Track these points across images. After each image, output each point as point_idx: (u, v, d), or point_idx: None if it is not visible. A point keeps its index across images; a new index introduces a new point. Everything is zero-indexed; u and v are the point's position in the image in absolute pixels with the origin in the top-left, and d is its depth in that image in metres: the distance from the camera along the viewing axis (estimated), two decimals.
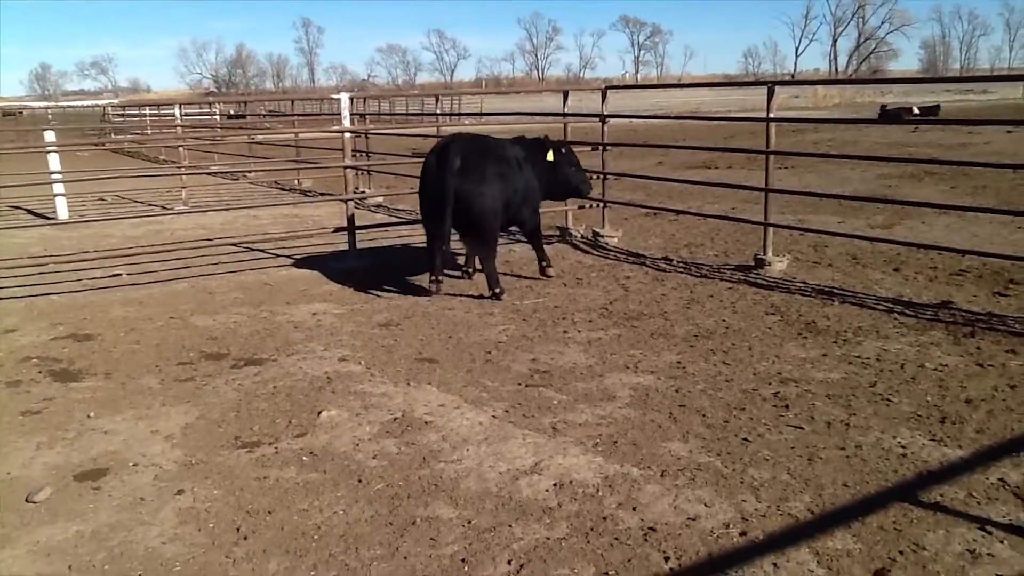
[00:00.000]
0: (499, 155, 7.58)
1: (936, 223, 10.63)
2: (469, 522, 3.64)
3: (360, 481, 4.07)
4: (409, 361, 5.83)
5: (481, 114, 24.00)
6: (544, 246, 8.47)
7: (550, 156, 8.03)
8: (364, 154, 15.14)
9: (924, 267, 8.32)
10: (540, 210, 8.47)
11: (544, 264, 8.31)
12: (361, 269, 8.80)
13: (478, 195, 7.21)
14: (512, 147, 7.86)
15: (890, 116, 30.98)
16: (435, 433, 4.58)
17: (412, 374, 5.55)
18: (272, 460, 4.35)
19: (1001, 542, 3.34)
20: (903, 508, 3.63)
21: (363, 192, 14.31)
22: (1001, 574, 3.13)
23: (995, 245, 9.15)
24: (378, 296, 7.70)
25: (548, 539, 3.48)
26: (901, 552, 3.29)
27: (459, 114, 28.00)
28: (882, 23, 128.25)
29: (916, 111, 33.90)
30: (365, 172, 15.25)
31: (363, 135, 14.78)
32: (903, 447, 4.25)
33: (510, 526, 3.59)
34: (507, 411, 4.86)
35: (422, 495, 3.90)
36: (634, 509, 3.69)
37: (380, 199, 13.98)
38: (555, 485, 3.94)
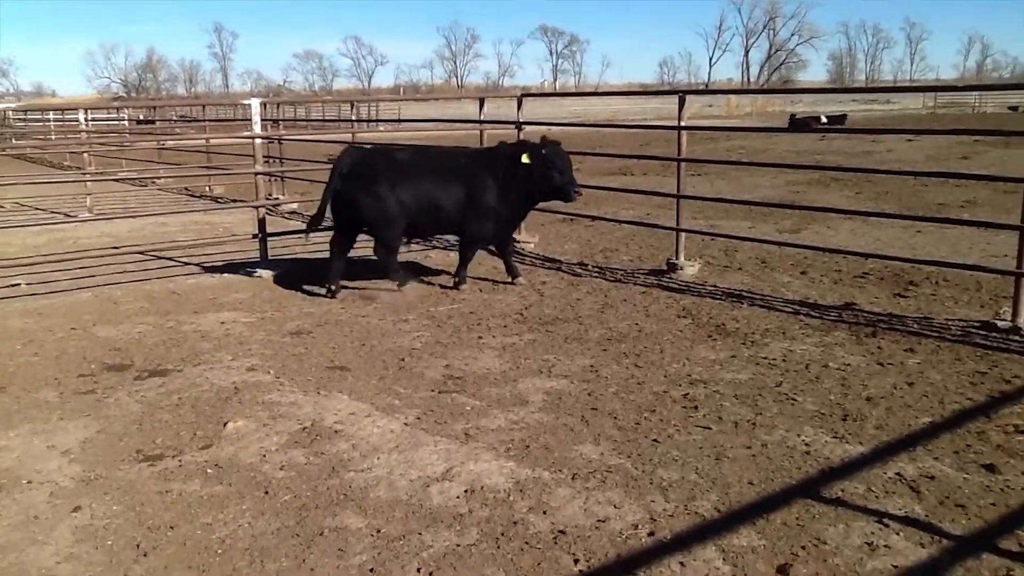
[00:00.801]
0: (404, 162, 7.78)
1: (841, 228, 10.97)
2: (378, 531, 3.58)
3: (266, 493, 3.97)
4: (320, 369, 5.73)
5: (399, 120, 23.88)
6: (511, 260, 8.33)
7: (525, 159, 7.77)
8: (278, 160, 14.87)
9: (829, 270, 8.56)
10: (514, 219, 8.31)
11: (512, 277, 8.21)
12: (273, 277, 8.62)
13: (364, 198, 7.55)
14: (450, 157, 7.97)
15: (799, 125, 31.83)
16: (345, 442, 4.50)
17: (323, 382, 5.45)
18: (175, 473, 4.21)
19: (897, 534, 3.45)
20: (806, 504, 3.72)
21: (277, 199, 14.05)
22: (897, 564, 3.23)
23: (896, 248, 9.49)
24: (290, 304, 7.55)
25: (458, 546, 3.45)
26: (803, 547, 3.36)
27: (376, 120, 27.78)
28: (792, 35, 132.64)
29: (824, 120, 34.97)
30: (279, 178, 14.99)
31: (276, 141, 14.51)
32: (807, 445, 4.36)
33: (420, 534, 3.55)
34: (419, 418, 4.81)
35: (330, 505, 3.83)
36: (545, 513, 3.69)
37: (294, 206, 13.75)
38: (466, 491, 3.91)
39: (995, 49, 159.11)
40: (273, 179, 14.97)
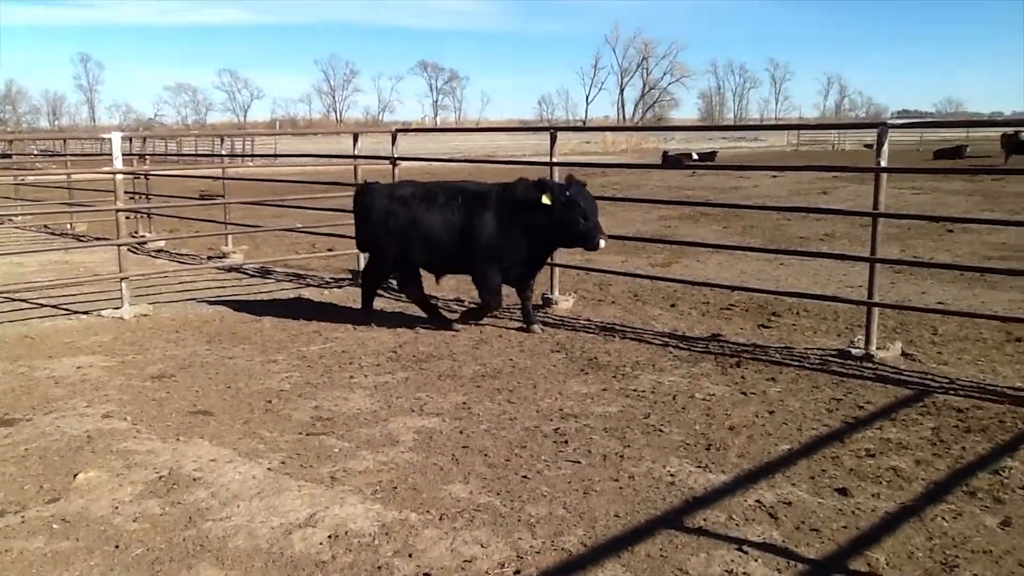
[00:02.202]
0: (399, 195, 7.76)
1: (709, 261, 11.35)
2: None
3: (117, 547, 3.75)
4: (181, 415, 5.49)
5: (276, 155, 23.49)
6: (529, 306, 7.76)
7: (545, 199, 7.20)
8: (144, 196, 14.35)
9: (698, 302, 8.82)
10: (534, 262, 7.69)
11: (527, 324, 7.69)
12: (136, 318, 8.26)
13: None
14: (451, 191, 7.66)
15: (672, 161, 32.95)
16: (204, 490, 4.31)
17: (183, 428, 5.22)
18: (17, 530, 3.93)
19: (756, 560, 3.53)
20: (669, 535, 3.77)
21: (143, 236, 13.54)
22: None
23: (760, 281, 9.87)
24: (153, 346, 7.24)
25: None
26: None
27: (251, 155, 27.22)
28: (664, 74, 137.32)
29: (695, 157, 36.32)
30: (145, 215, 14.44)
31: (143, 176, 14.00)
32: (672, 475, 4.43)
33: None
34: (283, 462, 4.66)
35: (186, 557, 3.65)
36: (410, 555, 3.62)
37: (162, 243, 13.28)
38: (330, 537, 3.80)
39: (852, 89, 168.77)
40: (140, 216, 14.43)
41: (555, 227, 7.29)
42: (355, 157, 10.49)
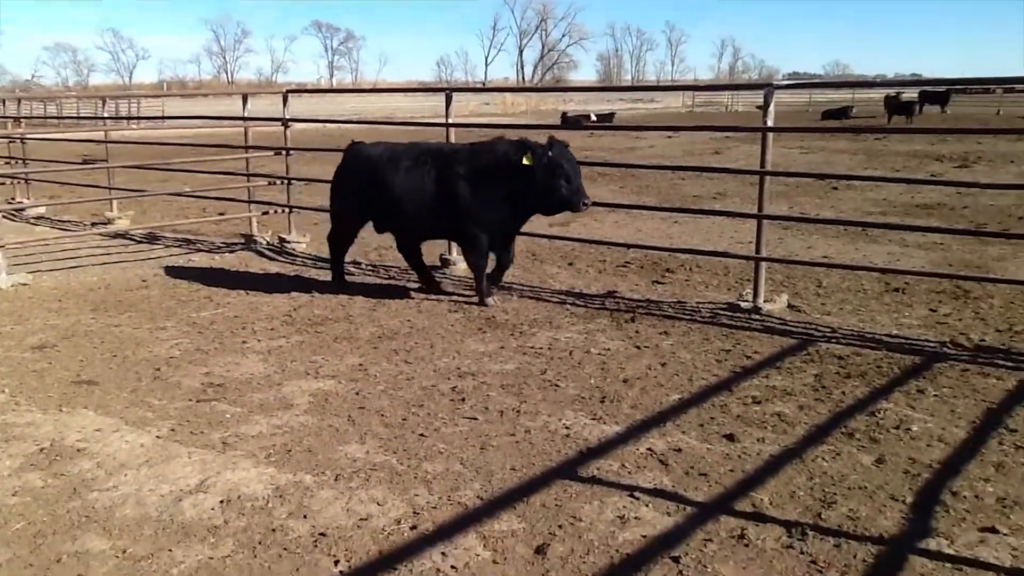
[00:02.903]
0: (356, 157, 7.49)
1: (606, 220, 11.50)
2: (124, 552, 3.34)
3: None
4: (64, 385, 5.28)
5: (163, 118, 22.59)
6: (481, 278, 7.23)
7: (526, 161, 6.76)
8: (21, 161, 13.62)
9: (595, 261, 8.94)
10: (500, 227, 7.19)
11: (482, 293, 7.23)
12: (13, 287, 7.88)
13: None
14: (429, 154, 7.21)
15: (571, 122, 33.12)
16: (89, 461, 4.17)
17: (66, 399, 5.03)
18: None
19: (647, 505, 3.63)
20: (564, 485, 3.84)
21: (20, 203, 12.90)
22: (646, 534, 3.40)
23: (655, 238, 10.06)
24: (34, 316, 6.93)
25: (212, 559, 3.28)
26: (560, 526, 3.47)
27: (136, 118, 26.12)
28: (563, 36, 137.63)
29: (594, 118, 36.60)
30: (23, 181, 13.73)
31: (19, 140, 13.28)
32: (567, 428, 4.51)
33: (170, 551, 3.35)
34: (173, 430, 4.54)
35: (70, 529, 3.53)
36: (305, 517, 3.59)
37: (42, 210, 12.68)
38: (222, 502, 3.73)
39: (745, 52, 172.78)
40: (16, 182, 13.72)
41: (536, 191, 6.86)
42: (244, 119, 10.18)
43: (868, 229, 10.09)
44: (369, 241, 10.20)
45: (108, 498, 3.78)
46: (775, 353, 5.77)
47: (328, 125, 27.79)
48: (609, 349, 5.90)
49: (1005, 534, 3.37)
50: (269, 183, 10.74)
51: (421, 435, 4.44)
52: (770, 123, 6.74)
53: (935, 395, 4.92)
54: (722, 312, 6.83)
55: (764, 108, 6.76)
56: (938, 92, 39.13)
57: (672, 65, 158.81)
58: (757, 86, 7.25)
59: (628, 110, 50.10)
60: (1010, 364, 5.45)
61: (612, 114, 40.12)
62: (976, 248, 9.17)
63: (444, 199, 7.06)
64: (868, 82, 53.76)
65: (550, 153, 6.80)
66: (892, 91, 36.14)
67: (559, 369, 5.48)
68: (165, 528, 3.52)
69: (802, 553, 3.25)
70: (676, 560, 3.21)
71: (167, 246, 10.13)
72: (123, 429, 4.55)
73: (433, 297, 7.42)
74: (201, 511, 3.66)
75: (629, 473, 3.96)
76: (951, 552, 3.25)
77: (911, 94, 36.80)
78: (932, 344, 5.91)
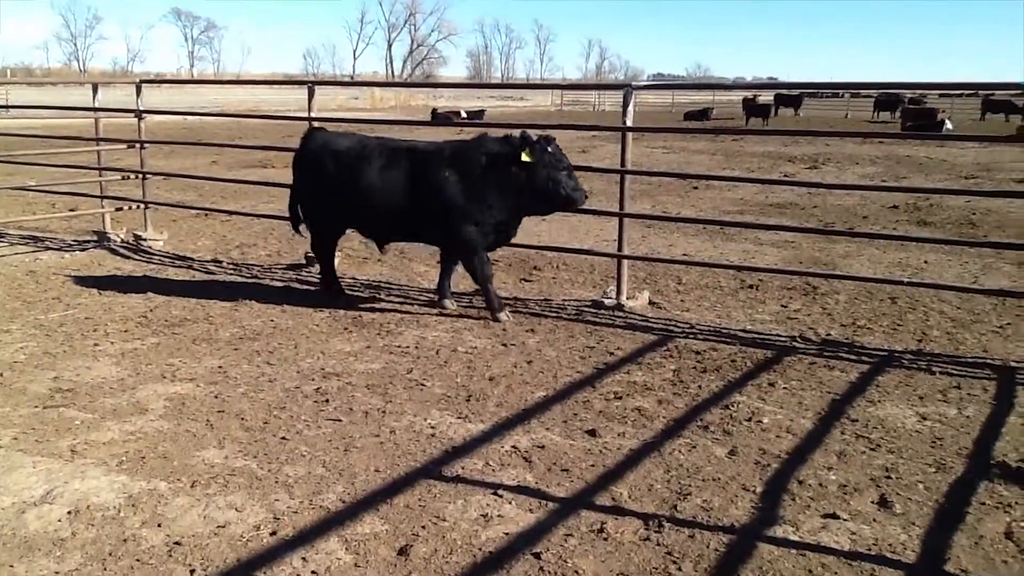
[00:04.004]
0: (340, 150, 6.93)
1: None
2: None
3: None
4: None
5: (7, 107, 21.27)
6: (453, 273, 7.06)
7: (526, 157, 6.38)
8: None
9: None
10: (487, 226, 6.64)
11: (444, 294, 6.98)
12: None
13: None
14: (402, 151, 6.76)
15: (441, 118, 33.04)
16: None
17: None
18: None
19: (510, 503, 3.68)
20: (428, 485, 3.84)
21: None
22: (508, 532, 3.44)
23: (525, 237, 10.12)
24: None
25: (57, 573, 3.13)
26: (423, 527, 3.47)
27: None
28: (432, 31, 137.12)
29: (464, 115, 36.62)
30: None
31: None
32: (432, 427, 4.51)
33: (12, 566, 3.17)
34: (16, 438, 4.29)
35: None
36: (159, 525, 3.46)
37: None
38: (69, 513, 3.55)
39: (612, 53, 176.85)
40: None
41: (534, 189, 6.50)
42: (95, 110, 9.71)
43: (725, 228, 10.51)
44: (233, 238, 9.93)
45: None
46: (636, 349, 5.95)
47: (189, 118, 26.84)
48: (476, 347, 5.93)
49: (845, 519, 3.58)
50: (123, 178, 10.27)
51: (283, 438, 4.35)
52: (629, 123, 6.93)
53: (784, 388, 5.18)
54: (587, 309, 6.98)
55: (624, 108, 6.93)
56: (792, 95, 41.19)
57: (541, 63, 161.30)
58: (617, 86, 7.42)
59: (498, 107, 50.44)
60: (853, 357, 5.80)
61: (482, 111, 40.27)
62: (825, 246, 9.69)
63: (432, 200, 6.58)
64: (726, 84, 55.96)
65: (549, 148, 6.52)
66: (749, 94, 37.76)
67: (425, 368, 5.47)
68: (6, 543, 3.33)
69: (659, 545, 3.37)
70: (537, 556, 3.26)
71: (12, 244, 9.55)
72: None
73: (297, 296, 7.27)
74: (46, 523, 3.48)
75: (493, 471, 4.00)
76: (796, 539, 3.43)
77: (767, 97, 38.59)
78: (783, 339, 6.22)
